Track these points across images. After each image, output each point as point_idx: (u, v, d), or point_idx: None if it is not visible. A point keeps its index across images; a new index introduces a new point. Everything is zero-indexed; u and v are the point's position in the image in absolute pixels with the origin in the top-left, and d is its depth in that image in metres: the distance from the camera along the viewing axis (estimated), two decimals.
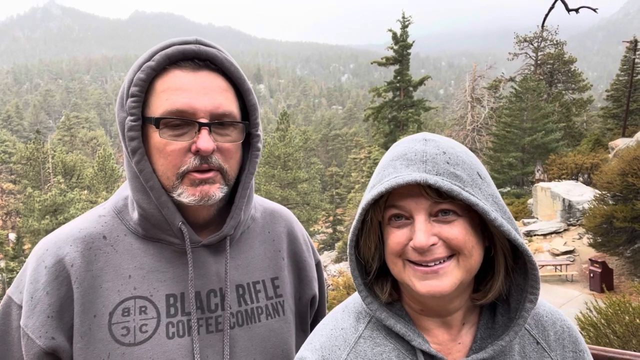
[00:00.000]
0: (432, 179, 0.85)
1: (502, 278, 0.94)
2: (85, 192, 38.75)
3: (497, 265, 0.95)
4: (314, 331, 1.04)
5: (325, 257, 32.58)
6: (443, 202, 0.87)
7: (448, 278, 0.87)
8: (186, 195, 1.02)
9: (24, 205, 33.67)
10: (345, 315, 1.03)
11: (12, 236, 35.39)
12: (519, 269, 0.95)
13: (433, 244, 0.87)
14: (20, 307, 1.03)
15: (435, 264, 0.87)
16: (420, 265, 0.88)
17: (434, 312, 0.96)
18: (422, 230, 0.86)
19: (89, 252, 1.05)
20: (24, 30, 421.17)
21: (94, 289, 1.03)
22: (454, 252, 0.88)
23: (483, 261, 0.95)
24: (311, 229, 41.90)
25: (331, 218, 46.74)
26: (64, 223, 1.18)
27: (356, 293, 1.07)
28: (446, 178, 0.86)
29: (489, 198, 0.89)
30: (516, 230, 0.90)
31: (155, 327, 1.03)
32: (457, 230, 0.87)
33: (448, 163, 0.89)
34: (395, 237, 0.90)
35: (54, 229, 1.16)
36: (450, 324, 0.97)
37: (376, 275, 1.00)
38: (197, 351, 1.04)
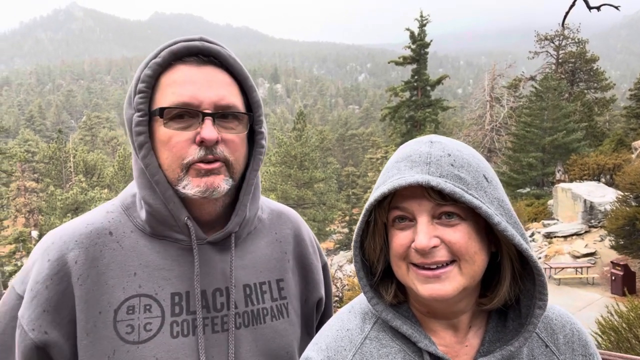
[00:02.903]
0: (434, 181, 0.84)
1: (508, 284, 0.93)
2: (106, 190, 39.41)
3: (503, 270, 0.94)
4: (319, 332, 1.04)
5: (341, 257, 32.54)
6: (446, 204, 0.87)
7: (450, 283, 0.87)
8: (191, 186, 1.02)
9: (46, 203, 34.43)
10: (351, 316, 1.03)
11: (35, 234, 36.22)
12: (527, 274, 0.94)
13: (434, 246, 0.86)
14: (20, 297, 1.04)
15: (437, 267, 0.87)
16: (423, 268, 0.88)
17: (441, 314, 0.95)
18: (423, 232, 0.86)
19: (94, 248, 1.05)
20: (47, 31, 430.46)
21: (98, 285, 1.03)
22: (455, 257, 0.88)
23: (492, 266, 0.94)
24: (327, 229, 41.90)
25: (347, 218, 46.70)
26: None
27: (362, 294, 1.06)
28: (449, 180, 0.86)
29: (494, 202, 0.88)
30: (522, 235, 0.89)
31: (159, 326, 1.03)
32: (460, 235, 0.87)
33: (452, 165, 0.88)
34: (399, 239, 0.90)
35: None
36: (457, 326, 0.96)
37: (382, 276, 1.00)
38: (202, 351, 1.03)
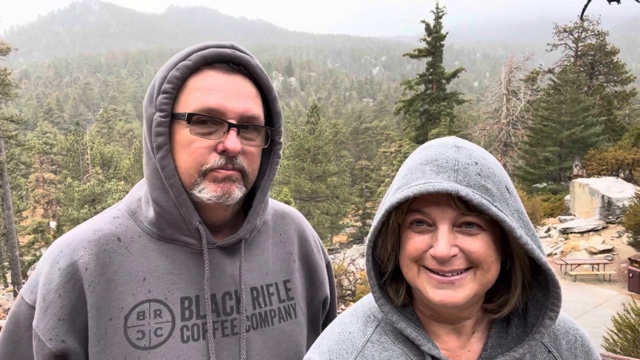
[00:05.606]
0: (464, 191, 0.83)
1: (519, 293, 0.93)
2: (122, 182, 39.92)
3: (514, 280, 0.93)
4: (322, 334, 1.05)
5: (354, 251, 32.58)
6: (469, 214, 0.86)
7: (463, 290, 0.87)
8: (207, 191, 1.03)
9: (64, 194, 35.00)
10: (353, 319, 1.03)
11: (53, 224, 36.93)
12: (538, 284, 0.94)
13: (453, 255, 0.86)
14: (31, 307, 1.03)
15: (452, 275, 0.87)
16: (437, 273, 0.87)
17: (445, 319, 0.95)
18: (444, 240, 0.85)
19: (103, 254, 1.05)
20: (64, 25, 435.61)
21: (108, 292, 1.03)
22: (472, 264, 0.87)
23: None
24: (340, 222, 41.95)
25: (360, 211, 46.69)
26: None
27: (365, 297, 1.07)
28: (477, 191, 0.84)
29: (515, 214, 0.88)
30: (539, 247, 0.89)
31: (169, 331, 1.04)
32: (480, 244, 0.86)
33: (479, 175, 0.87)
34: (415, 242, 0.89)
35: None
36: (461, 331, 0.96)
37: (390, 277, 0.99)
38: (213, 355, 1.04)
